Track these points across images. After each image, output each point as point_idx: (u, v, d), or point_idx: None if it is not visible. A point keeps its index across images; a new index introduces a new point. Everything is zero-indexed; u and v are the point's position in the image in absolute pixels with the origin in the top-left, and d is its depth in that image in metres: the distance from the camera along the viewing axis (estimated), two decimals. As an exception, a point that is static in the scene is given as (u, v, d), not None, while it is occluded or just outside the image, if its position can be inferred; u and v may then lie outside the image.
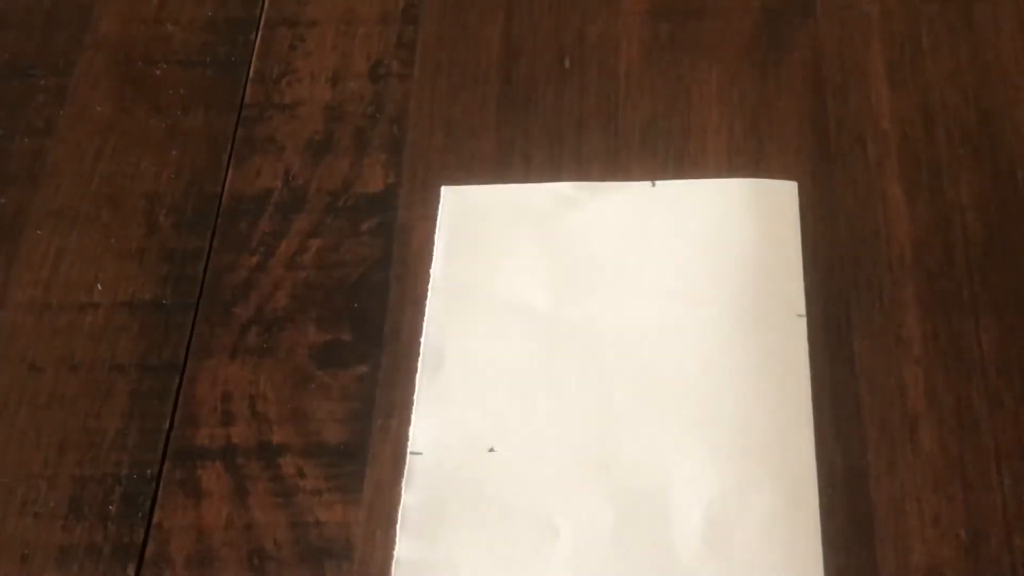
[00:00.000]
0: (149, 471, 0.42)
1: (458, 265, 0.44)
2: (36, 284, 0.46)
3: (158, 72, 0.51)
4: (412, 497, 0.40)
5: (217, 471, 0.41)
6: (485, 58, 0.50)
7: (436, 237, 0.45)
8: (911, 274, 0.43)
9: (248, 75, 0.50)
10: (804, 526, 0.38)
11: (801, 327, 0.42)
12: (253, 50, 0.51)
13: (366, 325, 0.44)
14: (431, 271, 0.44)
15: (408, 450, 0.41)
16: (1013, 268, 0.43)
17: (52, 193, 0.48)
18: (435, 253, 0.45)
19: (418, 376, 0.42)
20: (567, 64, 0.50)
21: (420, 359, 0.43)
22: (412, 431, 0.41)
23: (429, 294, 0.44)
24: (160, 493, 0.41)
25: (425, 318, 0.43)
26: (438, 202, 0.46)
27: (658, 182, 0.45)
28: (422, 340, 0.43)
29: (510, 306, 0.43)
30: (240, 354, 0.44)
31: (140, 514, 0.41)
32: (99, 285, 0.46)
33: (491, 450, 0.40)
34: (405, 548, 0.39)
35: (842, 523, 0.39)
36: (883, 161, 0.46)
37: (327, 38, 0.51)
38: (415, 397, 0.42)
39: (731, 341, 0.42)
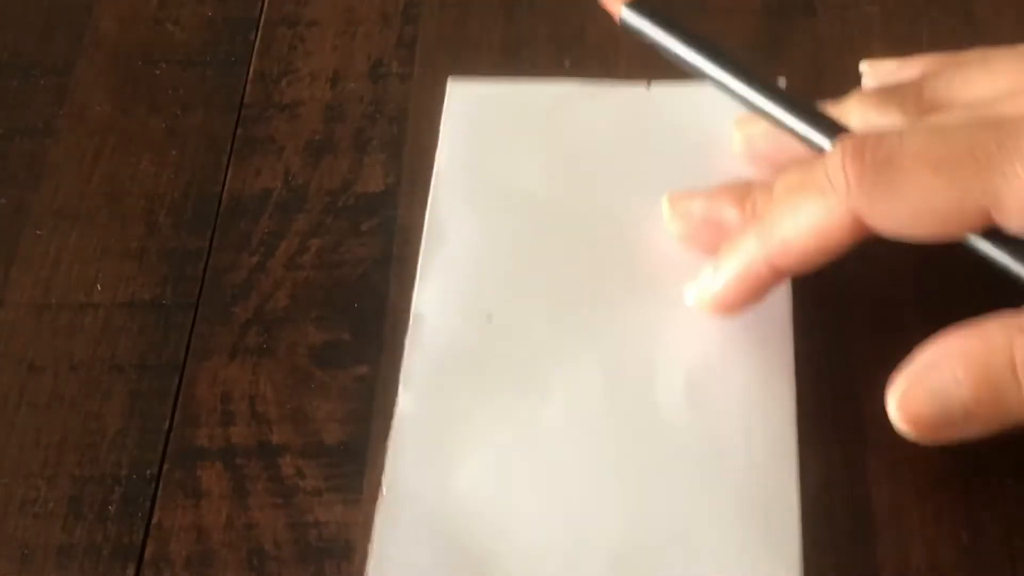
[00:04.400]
0: (149, 471, 0.42)
1: (461, 152, 0.47)
2: (36, 284, 0.46)
3: (158, 72, 0.51)
4: (415, 358, 0.42)
5: (217, 471, 0.41)
6: (485, 58, 0.50)
7: (441, 127, 0.48)
8: (911, 274, 0.43)
9: (248, 75, 0.51)
10: (778, 389, 0.41)
11: None
12: (253, 50, 0.51)
13: (366, 325, 0.44)
14: (435, 157, 0.47)
15: (412, 312, 0.43)
16: (1013, 268, 0.43)
17: (52, 193, 0.48)
18: (440, 141, 0.47)
19: (421, 252, 0.45)
20: (567, 64, 0.50)
21: (424, 236, 0.45)
22: (415, 300, 0.44)
23: (433, 178, 0.46)
24: (160, 493, 0.41)
25: (430, 198, 0.46)
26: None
27: (653, 84, 0.48)
28: (426, 219, 0.45)
29: (510, 190, 0.46)
30: (240, 354, 0.44)
31: (140, 514, 0.41)
32: (99, 285, 0.46)
33: (489, 318, 0.43)
34: (406, 402, 0.41)
35: (842, 523, 0.39)
36: (883, 161, 0.46)
37: (327, 38, 0.51)
38: (418, 271, 0.44)
39: None
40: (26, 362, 0.44)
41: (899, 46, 0.49)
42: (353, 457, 0.41)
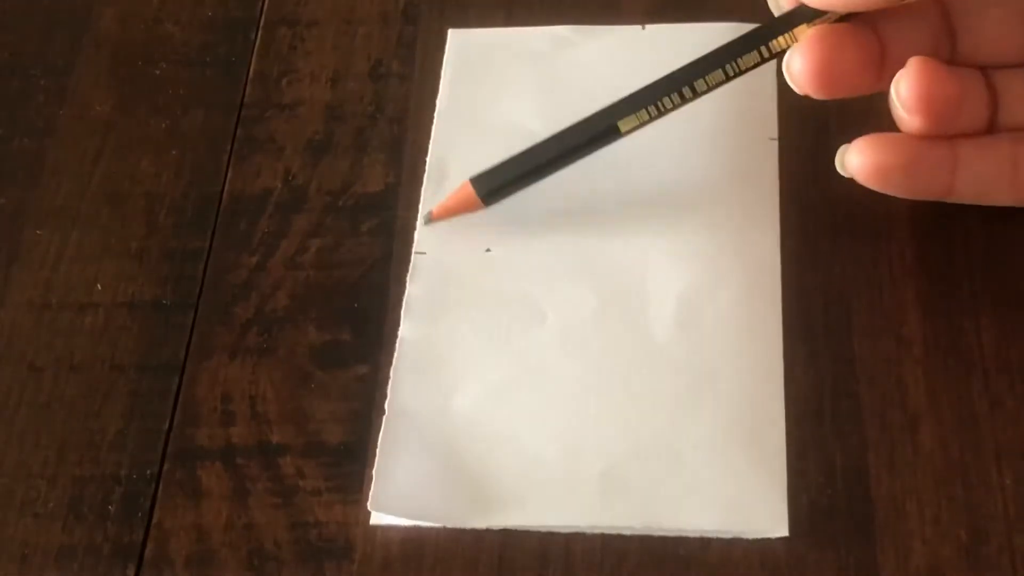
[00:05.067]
0: (149, 471, 0.42)
1: (462, 95, 0.48)
2: (36, 284, 0.46)
3: (158, 72, 0.51)
4: (416, 288, 0.44)
5: (217, 471, 0.42)
6: (485, 58, 0.50)
7: (442, 73, 0.49)
8: (911, 274, 0.43)
9: (248, 75, 0.51)
10: (765, 312, 0.43)
11: (773, 148, 0.46)
12: (253, 50, 0.51)
13: (366, 325, 0.44)
14: (437, 101, 0.48)
15: (413, 250, 0.45)
16: (1013, 268, 0.43)
17: (52, 193, 0.48)
18: (440, 86, 0.49)
19: (423, 188, 0.46)
20: (567, 64, 0.50)
21: (425, 174, 0.46)
22: (417, 235, 0.45)
23: (435, 120, 0.48)
24: (160, 493, 0.41)
25: (431, 139, 0.47)
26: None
27: (648, 26, 0.49)
28: (428, 158, 0.47)
29: (509, 129, 0.47)
30: (240, 354, 0.44)
31: (140, 514, 0.41)
32: (99, 285, 0.46)
33: (488, 250, 0.45)
34: (409, 328, 0.43)
35: (842, 523, 0.39)
36: (883, 161, 0.46)
37: (327, 38, 0.51)
38: (420, 206, 0.46)
39: (708, 158, 0.45)
40: (26, 362, 0.44)
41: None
42: (353, 457, 0.41)
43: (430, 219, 0.45)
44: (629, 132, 0.43)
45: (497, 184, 0.44)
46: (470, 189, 0.44)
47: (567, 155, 0.44)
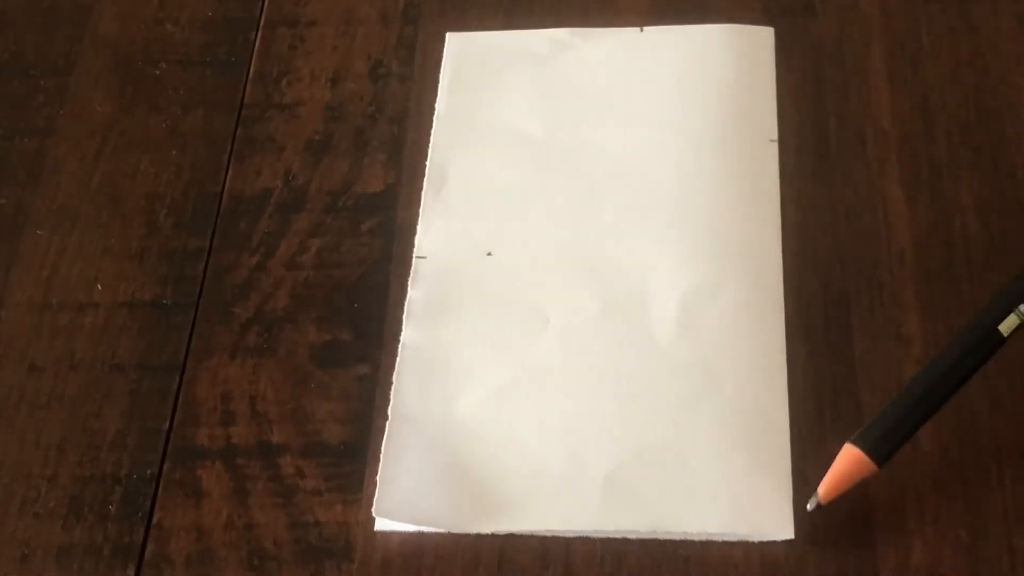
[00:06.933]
0: (149, 471, 0.42)
1: (461, 98, 0.49)
2: (36, 284, 0.46)
3: (158, 72, 0.51)
4: (417, 293, 0.44)
5: (217, 471, 0.41)
6: (485, 58, 0.50)
7: (441, 76, 0.49)
8: (911, 274, 0.43)
9: (248, 75, 0.51)
10: (767, 313, 0.43)
11: (773, 149, 0.46)
12: (253, 50, 0.51)
13: (366, 325, 0.44)
14: (436, 105, 0.48)
15: (414, 255, 0.45)
16: (1013, 268, 0.43)
17: (52, 193, 0.48)
18: (439, 89, 0.49)
19: (423, 192, 0.46)
20: (567, 64, 0.50)
21: (426, 178, 0.46)
22: (418, 239, 0.45)
23: (434, 123, 0.48)
24: (160, 493, 0.41)
25: (431, 143, 0.47)
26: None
27: (646, 28, 0.50)
28: (427, 162, 0.47)
29: (508, 133, 0.48)
30: (240, 354, 0.44)
31: (140, 514, 0.41)
32: (99, 285, 0.46)
33: (489, 254, 0.45)
34: (410, 333, 0.43)
35: (842, 523, 0.39)
36: (883, 161, 0.46)
37: (327, 38, 0.51)
38: (420, 211, 0.46)
39: (708, 160, 0.46)
40: (26, 362, 0.44)
41: (898, 46, 0.49)
42: (353, 457, 0.41)
43: (818, 501, 0.38)
44: (1012, 335, 0.39)
45: (890, 442, 0.38)
46: (856, 452, 0.38)
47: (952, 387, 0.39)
